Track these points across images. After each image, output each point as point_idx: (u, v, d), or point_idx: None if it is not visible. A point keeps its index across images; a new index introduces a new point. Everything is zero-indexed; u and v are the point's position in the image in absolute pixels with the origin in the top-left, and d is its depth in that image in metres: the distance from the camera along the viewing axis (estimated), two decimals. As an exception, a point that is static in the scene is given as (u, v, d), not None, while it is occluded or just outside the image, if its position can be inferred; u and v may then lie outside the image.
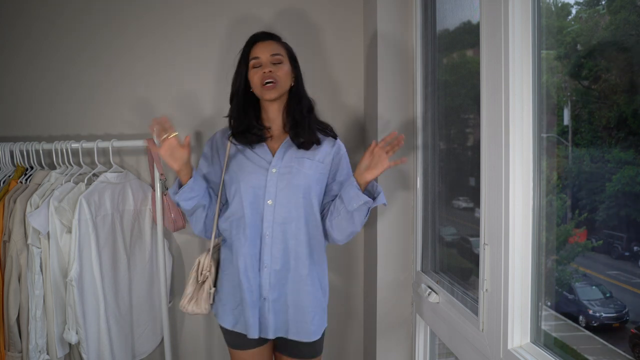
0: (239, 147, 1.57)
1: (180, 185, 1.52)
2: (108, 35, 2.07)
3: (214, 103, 2.12)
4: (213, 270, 1.57)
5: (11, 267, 1.72)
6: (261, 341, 1.57)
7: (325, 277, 1.63)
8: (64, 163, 1.87)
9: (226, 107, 2.10)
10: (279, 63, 1.51)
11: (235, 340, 1.58)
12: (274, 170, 1.51)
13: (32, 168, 1.91)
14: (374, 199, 1.49)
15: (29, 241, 1.70)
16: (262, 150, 1.55)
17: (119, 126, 2.09)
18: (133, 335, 1.96)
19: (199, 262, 1.57)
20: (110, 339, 1.81)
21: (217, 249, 1.65)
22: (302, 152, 1.54)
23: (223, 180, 1.58)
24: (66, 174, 1.86)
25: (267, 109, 1.58)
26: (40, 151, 1.89)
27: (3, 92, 2.10)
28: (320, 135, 1.58)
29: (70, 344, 1.80)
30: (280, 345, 1.63)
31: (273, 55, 1.51)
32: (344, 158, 1.62)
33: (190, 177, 1.50)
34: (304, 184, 1.52)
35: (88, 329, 1.74)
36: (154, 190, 1.93)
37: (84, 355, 1.73)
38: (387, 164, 1.45)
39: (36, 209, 1.71)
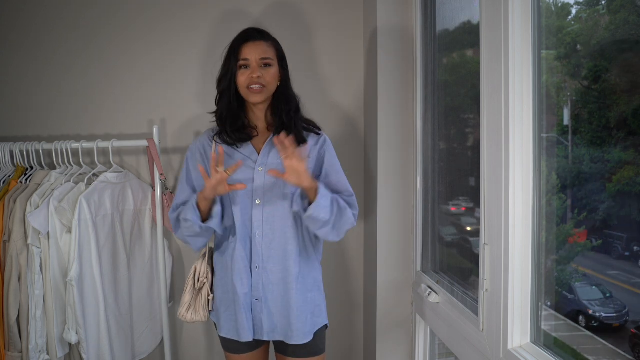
0: (224, 148, 1.53)
1: (200, 211, 1.48)
2: (108, 35, 2.07)
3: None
4: (210, 276, 1.57)
5: (11, 267, 1.72)
6: (255, 345, 1.57)
7: (319, 274, 1.61)
8: (64, 163, 1.87)
9: (226, 107, 2.12)
10: (268, 66, 1.51)
11: (230, 344, 1.57)
12: (260, 169, 1.51)
13: (32, 168, 1.90)
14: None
15: (29, 241, 1.70)
16: (247, 149, 1.54)
17: (119, 126, 2.10)
18: (133, 335, 1.96)
19: (195, 269, 1.57)
20: (110, 339, 1.81)
21: (211, 255, 1.63)
22: None
23: None
24: (66, 174, 1.86)
25: (253, 109, 1.58)
26: (40, 151, 1.89)
27: (3, 92, 2.10)
28: (304, 133, 1.57)
29: (70, 344, 1.80)
30: (278, 346, 1.61)
31: (262, 58, 1.50)
32: (329, 151, 1.58)
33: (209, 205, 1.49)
34: None
35: (88, 329, 1.74)
36: (154, 190, 1.93)
37: (84, 355, 1.73)
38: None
39: (36, 209, 1.71)
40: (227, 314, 1.54)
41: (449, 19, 1.71)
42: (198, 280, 1.55)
